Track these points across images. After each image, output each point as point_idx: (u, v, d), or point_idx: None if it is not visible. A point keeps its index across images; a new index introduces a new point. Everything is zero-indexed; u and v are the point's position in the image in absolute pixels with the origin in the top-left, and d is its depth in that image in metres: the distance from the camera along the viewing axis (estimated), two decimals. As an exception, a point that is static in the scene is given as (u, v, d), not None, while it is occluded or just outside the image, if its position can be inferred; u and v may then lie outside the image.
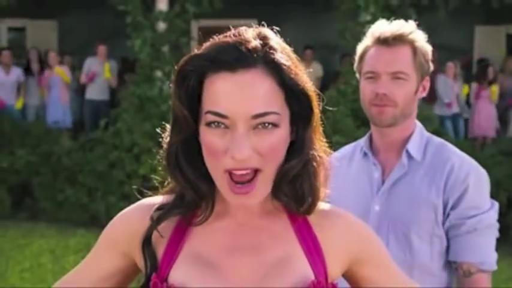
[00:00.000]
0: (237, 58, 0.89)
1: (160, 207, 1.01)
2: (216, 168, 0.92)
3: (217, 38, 0.96)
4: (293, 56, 0.95)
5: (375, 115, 1.57)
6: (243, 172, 0.90)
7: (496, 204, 1.60)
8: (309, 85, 0.94)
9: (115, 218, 1.08)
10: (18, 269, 5.11)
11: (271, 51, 0.91)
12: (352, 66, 1.70)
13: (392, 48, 1.57)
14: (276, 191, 0.95)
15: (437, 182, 1.53)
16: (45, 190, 6.80)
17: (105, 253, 1.07)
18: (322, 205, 1.02)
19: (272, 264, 0.96)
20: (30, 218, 6.80)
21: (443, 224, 1.53)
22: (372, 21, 7.55)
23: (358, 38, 6.71)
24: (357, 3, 7.75)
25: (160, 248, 0.99)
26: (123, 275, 1.08)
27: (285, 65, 0.90)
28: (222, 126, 0.89)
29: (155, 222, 0.98)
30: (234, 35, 0.93)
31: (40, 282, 4.79)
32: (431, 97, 8.64)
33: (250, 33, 0.93)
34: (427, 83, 1.63)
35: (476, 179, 1.55)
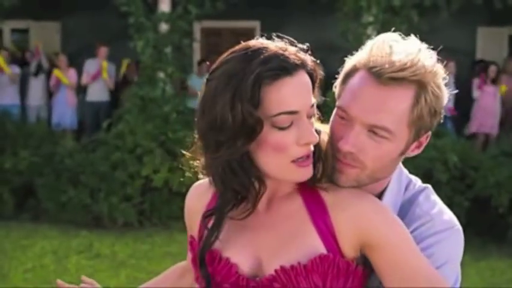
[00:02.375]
0: (294, 65, 1.05)
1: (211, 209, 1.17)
2: (281, 163, 1.06)
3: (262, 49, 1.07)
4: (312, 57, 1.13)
5: (334, 170, 1.15)
6: (307, 160, 1.08)
7: (457, 284, 1.20)
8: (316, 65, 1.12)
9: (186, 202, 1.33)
10: (21, 269, 5.12)
11: (304, 60, 1.08)
12: None
13: (385, 88, 1.11)
14: None
15: None
16: (48, 191, 6.81)
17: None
18: (346, 188, 1.13)
19: (285, 239, 1.10)
20: (33, 219, 6.81)
21: None
22: (374, 23, 7.56)
23: (360, 39, 6.79)
24: (359, 5, 7.75)
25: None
26: None
27: (311, 68, 1.10)
28: (289, 125, 1.04)
29: (215, 229, 1.14)
30: (277, 46, 1.07)
31: (43, 283, 4.80)
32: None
33: (290, 45, 1.10)
34: (425, 140, 1.20)
35: (443, 241, 1.18)
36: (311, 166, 1.08)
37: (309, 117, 1.07)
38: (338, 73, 1.23)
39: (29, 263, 5.29)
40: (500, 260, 5.99)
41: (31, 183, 6.98)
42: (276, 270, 1.07)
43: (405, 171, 1.27)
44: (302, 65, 1.06)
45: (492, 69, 8.75)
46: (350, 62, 1.19)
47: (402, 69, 1.09)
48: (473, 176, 6.76)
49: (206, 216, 1.16)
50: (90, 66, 8.76)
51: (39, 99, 8.86)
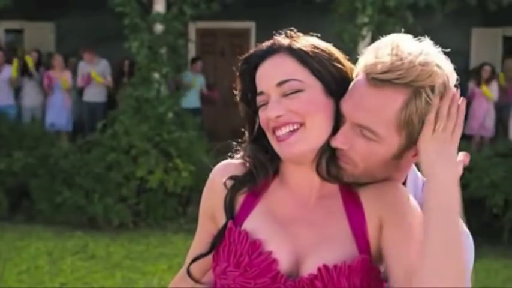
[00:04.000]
0: (266, 51, 1.18)
1: (233, 177, 1.21)
2: (269, 137, 1.17)
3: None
4: (320, 47, 1.18)
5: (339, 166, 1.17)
6: (285, 130, 1.13)
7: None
8: (337, 56, 1.18)
9: (204, 192, 1.28)
10: (15, 271, 5.10)
11: (294, 43, 1.17)
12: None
13: (375, 90, 1.09)
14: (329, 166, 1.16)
15: None
16: (43, 192, 6.79)
17: (209, 224, 1.25)
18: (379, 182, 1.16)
19: (324, 238, 1.12)
20: (28, 220, 6.79)
21: None
22: (369, 24, 7.59)
23: (355, 40, 6.80)
24: (354, 6, 7.77)
25: (237, 204, 1.20)
26: None
27: (300, 49, 1.15)
28: (264, 103, 1.15)
29: (231, 191, 1.20)
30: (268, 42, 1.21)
31: (37, 284, 4.78)
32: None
33: (281, 36, 1.20)
34: None
35: None
36: (294, 144, 1.12)
37: (283, 94, 1.13)
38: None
39: (23, 264, 5.27)
40: (495, 260, 6.00)
41: (25, 185, 6.96)
42: (319, 269, 1.07)
43: (420, 175, 1.25)
44: (281, 49, 1.16)
45: (486, 70, 8.78)
46: (359, 64, 1.16)
47: (387, 72, 1.06)
48: (467, 176, 6.77)
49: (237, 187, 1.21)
50: (83, 68, 8.77)
51: (34, 100, 8.83)
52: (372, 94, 1.09)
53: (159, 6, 7.96)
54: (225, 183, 1.20)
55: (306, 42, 1.18)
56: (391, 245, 1.09)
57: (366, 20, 7.80)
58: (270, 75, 1.15)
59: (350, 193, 1.16)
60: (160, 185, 6.82)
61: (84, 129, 8.85)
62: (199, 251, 1.23)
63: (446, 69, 1.10)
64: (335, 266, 1.07)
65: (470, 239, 1.21)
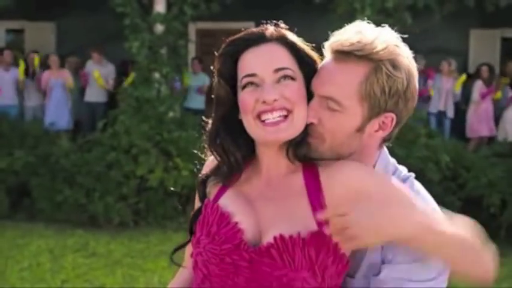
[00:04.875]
0: (259, 37, 1.23)
1: (208, 173, 1.33)
2: (249, 120, 1.21)
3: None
4: (301, 40, 1.26)
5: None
6: (275, 116, 1.18)
7: (440, 279, 1.21)
8: (314, 54, 1.26)
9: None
10: (17, 268, 5.14)
11: (282, 34, 1.24)
12: None
13: (339, 64, 1.20)
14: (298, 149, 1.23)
15: None
16: (44, 191, 6.84)
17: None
18: (338, 161, 1.24)
19: (284, 212, 1.20)
20: (29, 219, 6.83)
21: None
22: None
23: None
24: (353, 6, 7.83)
25: (214, 190, 1.32)
26: None
27: (293, 41, 1.24)
28: (254, 85, 1.20)
29: (201, 186, 1.34)
30: (257, 29, 1.27)
31: (39, 282, 4.83)
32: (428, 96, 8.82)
33: (270, 26, 1.27)
34: (390, 122, 1.23)
35: None
36: (285, 130, 1.19)
37: (277, 81, 1.19)
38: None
39: (25, 261, 5.32)
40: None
41: (26, 183, 7.00)
42: (275, 238, 1.16)
43: (393, 160, 1.33)
44: (273, 39, 1.23)
45: (484, 70, 8.84)
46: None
47: (350, 45, 1.18)
48: (465, 176, 6.83)
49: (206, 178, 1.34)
50: (89, 68, 8.86)
51: (35, 100, 8.88)
52: (337, 68, 1.21)
53: (160, 7, 8.01)
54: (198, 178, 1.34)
55: (293, 36, 1.26)
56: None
57: (364, 20, 7.86)
58: (266, 60, 1.20)
59: (311, 173, 1.23)
60: (160, 184, 6.87)
61: (85, 128, 8.91)
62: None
63: (404, 50, 1.22)
64: (290, 237, 1.15)
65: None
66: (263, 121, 1.19)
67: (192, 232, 1.31)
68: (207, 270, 1.21)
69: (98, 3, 8.20)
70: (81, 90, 9.09)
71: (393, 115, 1.23)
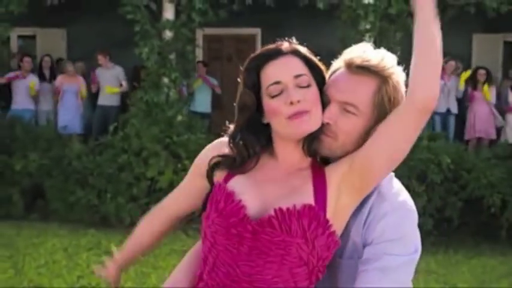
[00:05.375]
0: (276, 51, 1.46)
1: (221, 156, 1.52)
2: (280, 121, 1.43)
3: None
4: (310, 53, 1.50)
5: (318, 141, 1.48)
6: (300, 114, 1.40)
7: (417, 254, 1.43)
8: (321, 64, 1.50)
9: (201, 152, 1.61)
10: (34, 265, 5.36)
11: (295, 48, 1.48)
12: None
13: (355, 76, 1.46)
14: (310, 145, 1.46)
15: (359, 218, 1.45)
16: (57, 192, 7.06)
17: (192, 177, 1.61)
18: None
19: (287, 192, 1.43)
20: (43, 219, 7.06)
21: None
22: (371, 30, 7.83)
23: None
24: (357, 13, 8.01)
25: (222, 174, 1.51)
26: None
27: (305, 54, 1.47)
28: (278, 93, 1.42)
29: (211, 169, 1.53)
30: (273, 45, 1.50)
31: (56, 277, 5.04)
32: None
33: (284, 42, 1.50)
34: None
35: (395, 219, 1.43)
36: (307, 121, 1.41)
37: (298, 86, 1.42)
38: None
39: (41, 259, 5.54)
40: (493, 257, 6.21)
41: (40, 185, 7.22)
42: (275, 210, 1.38)
43: None
44: (288, 52, 1.45)
45: (480, 73, 9.05)
46: (334, 65, 1.54)
47: (367, 61, 1.45)
48: (466, 177, 7.00)
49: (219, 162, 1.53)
50: (99, 74, 9.13)
51: (48, 104, 9.14)
52: (354, 79, 1.46)
53: (169, 14, 8.23)
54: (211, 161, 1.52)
55: (305, 49, 1.49)
56: (368, 151, 1.40)
57: (368, 26, 8.04)
58: (287, 68, 1.43)
59: (318, 169, 1.47)
60: (170, 185, 7.07)
61: (95, 132, 9.14)
62: (179, 195, 1.65)
63: (399, 68, 1.50)
64: (287, 209, 1.37)
65: (410, 213, 1.49)
66: (290, 118, 1.40)
67: (204, 208, 1.52)
68: (214, 239, 1.41)
69: (106, 10, 8.41)
70: (92, 94, 9.33)
71: None
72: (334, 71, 1.52)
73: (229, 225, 1.39)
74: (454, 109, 9.18)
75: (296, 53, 1.46)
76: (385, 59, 1.47)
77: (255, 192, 1.44)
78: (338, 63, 1.52)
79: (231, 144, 1.50)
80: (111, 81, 9.08)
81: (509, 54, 10.80)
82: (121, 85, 9.12)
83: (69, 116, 8.84)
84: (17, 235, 6.40)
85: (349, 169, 1.41)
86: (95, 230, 6.63)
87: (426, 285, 5.26)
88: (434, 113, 9.04)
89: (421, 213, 6.68)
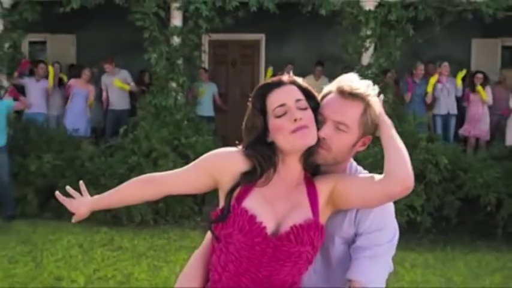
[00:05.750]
0: (279, 82, 1.81)
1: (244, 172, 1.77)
2: (284, 136, 1.72)
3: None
4: (306, 84, 1.83)
5: (314, 153, 1.80)
6: (302, 128, 1.71)
7: (396, 236, 1.81)
8: (314, 92, 1.83)
9: (211, 154, 1.83)
10: (52, 259, 5.65)
11: (294, 79, 1.82)
12: None
13: (346, 101, 1.79)
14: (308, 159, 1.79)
15: (350, 213, 1.81)
16: (70, 192, 7.33)
17: (200, 172, 1.82)
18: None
19: (292, 207, 1.75)
20: (56, 218, 7.33)
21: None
22: (372, 36, 8.14)
23: (359, 51, 7.39)
24: (358, 19, 8.29)
25: (238, 189, 1.77)
26: (204, 189, 1.86)
27: (301, 84, 1.81)
28: (283, 113, 1.73)
29: (242, 181, 1.76)
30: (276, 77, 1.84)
31: (74, 270, 5.34)
32: (431, 103, 9.32)
33: (285, 75, 1.84)
34: (367, 141, 1.85)
35: (379, 210, 1.78)
36: (308, 135, 1.72)
37: (298, 108, 1.73)
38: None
39: (59, 254, 5.83)
40: (488, 253, 6.44)
41: (54, 185, 7.49)
42: (291, 227, 1.70)
43: (355, 163, 1.94)
44: (288, 82, 1.78)
45: (478, 77, 9.34)
46: (325, 89, 1.87)
47: (356, 89, 1.80)
48: (463, 177, 7.25)
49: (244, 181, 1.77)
50: (104, 80, 9.46)
51: (58, 109, 9.45)
52: (346, 103, 1.80)
53: (176, 21, 8.53)
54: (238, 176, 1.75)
55: (301, 80, 1.83)
56: (348, 187, 1.76)
57: (369, 32, 8.32)
58: (289, 94, 1.76)
59: (309, 182, 1.81)
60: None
61: (105, 134, 9.45)
62: (180, 180, 1.84)
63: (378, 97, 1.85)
64: (301, 225, 1.70)
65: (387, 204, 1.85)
66: (294, 132, 1.70)
67: (213, 221, 1.75)
68: (239, 254, 1.69)
69: (115, 16, 8.67)
70: (100, 98, 9.64)
71: (371, 137, 1.85)
72: (326, 95, 1.85)
73: (254, 244, 1.68)
74: (454, 110, 9.47)
75: (295, 83, 1.79)
76: (369, 87, 1.81)
77: (268, 211, 1.72)
78: (328, 89, 1.85)
79: (251, 154, 1.76)
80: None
81: (508, 58, 11.07)
82: (129, 84, 9.41)
83: (76, 119, 9.09)
84: (33, 232, 6.69)
85: (333, 188, 1.76)
86: (107, 227, 6.92)
87: (424, 278, 5.53)
88: (437, 115, 9.35)
89: (420, 212, 6.95)
